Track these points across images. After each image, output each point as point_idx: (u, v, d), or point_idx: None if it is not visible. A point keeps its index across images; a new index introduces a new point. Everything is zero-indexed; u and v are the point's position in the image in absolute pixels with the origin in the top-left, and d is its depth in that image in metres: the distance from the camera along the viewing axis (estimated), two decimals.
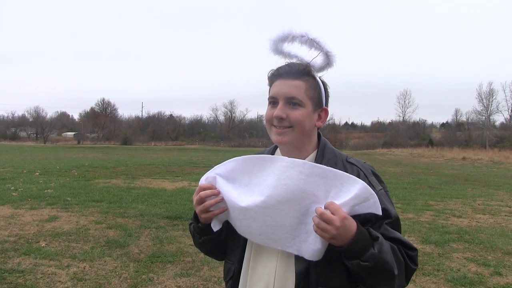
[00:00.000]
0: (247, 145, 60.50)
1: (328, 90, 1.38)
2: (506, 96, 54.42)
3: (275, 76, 1.32)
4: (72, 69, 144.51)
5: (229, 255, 1.42)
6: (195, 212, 1.36)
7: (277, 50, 1.34)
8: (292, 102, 1.28)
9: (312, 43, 1.31)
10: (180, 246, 5.40)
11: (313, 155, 1.36)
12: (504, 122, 58.56)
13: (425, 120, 78.07)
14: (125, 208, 7.80)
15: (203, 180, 1.32)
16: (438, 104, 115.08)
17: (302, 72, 1.29)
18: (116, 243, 5.43)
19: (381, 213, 1.16)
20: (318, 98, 1.32)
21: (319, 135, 1.41)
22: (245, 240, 1.34)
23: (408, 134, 64.04)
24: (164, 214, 7.31)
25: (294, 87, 1.28)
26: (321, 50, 1.31)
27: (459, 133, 61.39)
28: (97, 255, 4.91)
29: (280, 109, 1.28)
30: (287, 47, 1.33)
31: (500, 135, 52.56)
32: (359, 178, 1.26)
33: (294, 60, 1.35)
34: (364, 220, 1.19)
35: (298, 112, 1.28)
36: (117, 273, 4.40)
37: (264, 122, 1.37)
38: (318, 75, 1.36)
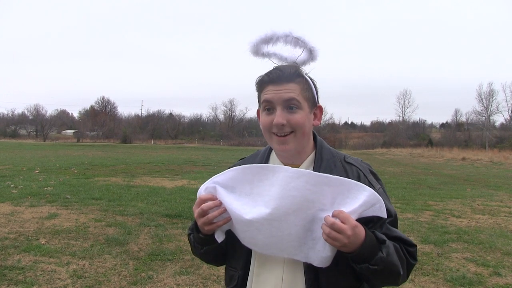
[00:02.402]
0: (247, 144, 60.48)
1: (317, 86, 1.35)
2: (506, 97, 54.70)
3: (266, 82, 1.27)
4: (72, 67, 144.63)
5: (231, 262, 1.38)
6: (195, 222, 1.31)
7: (258, 52, 1.32)
8: (290, 106, 1.25)
9: (297, 41, 1.29)
10: (180, 244, 5.41)
11: (311, 157, 1.34)
12: (504, 122, 58.71)
13: (425, 120, 78.39)
14: (124, 206, 7.81)
15: (202, 191, 1.27)
16: (438, 104, 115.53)
17: (294, 74, 1.27)
18: (116, 241, 5.43)
19: (386, 216, 1.18)
20: (313, 97, 1.31)
21: (314, 135, 1.38)
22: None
23: (408, 134, 64.13)
24: (164, 212, 7.31)
25: (290, 90, 1.25)
26: (305, 47, 1.30)
27: (458, 134, 61.41)
28: (97, 253, 4.92)
29: (280, 115, 1.24)
30: (269, 48, 1.31)
31: (500, 135, 52.60)
32: (359, 178, 1.27)
33: (275, 60, 1.32)
34: (366, 220, 1.19)
35: (298, 115, 1.25)
36: (117, 270, 4.41)
37: (261, 128, 1.32)
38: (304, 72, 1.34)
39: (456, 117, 71.53)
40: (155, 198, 8.87)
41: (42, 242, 5.25)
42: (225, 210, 1.23)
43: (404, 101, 68.53)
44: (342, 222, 1.10)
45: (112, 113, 79.14)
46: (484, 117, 55.35)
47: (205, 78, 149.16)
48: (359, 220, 1.16)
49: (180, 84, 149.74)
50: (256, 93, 1.33)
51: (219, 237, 1.28)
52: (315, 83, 1.35)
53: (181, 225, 6.52)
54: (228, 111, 79.86)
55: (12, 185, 10.06)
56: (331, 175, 1.17)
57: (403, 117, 69.27)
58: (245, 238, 1.24)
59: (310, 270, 1.21)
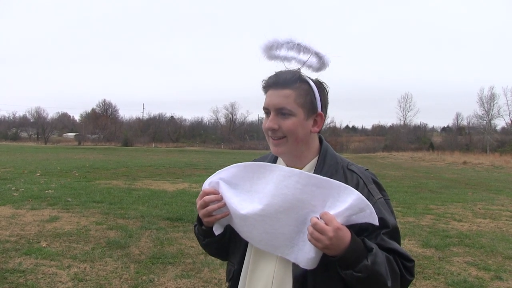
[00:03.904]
0: (248, 148, 60.55)
1: (327, 90, 1.35)
2: (507, 101, 54.21)
3: (266, 86, 1.32)
4: (73, 70, 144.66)
5: (231, 257, 1.44)
6: (199, 214, 1.38)
7: (271, 57, 1.34)
8: (282, 112, 1.28)
9: (299, 47, 1.31)
10: (181, 248, 5.41)
11: (314, 161, 1.35)
12: (505, 126, 58.39)
13: (426, 124, 78.09)
14: (125, 209, 7.81)
15: (207, 185, 1.34)
16: (439, 108, 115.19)
17: (290, 80, 1.28)
18: (117, 244, 5.43)
19: (377, 224, 1.16)
20: (311, 104, 1.30)
21: (321, 140, 1.39)
22: (246, 243, 1.35)
23: (409, 137, 63.99)
24: (165, 216, 7.32)
25: (283, 97, 1.27)
26: (310, 53, 1.32)
27: (460, 137, 61.31)
28: (98, 256, 4.92)
29: (271, 120, 1.29)
30: (281, 52, 1.33)
31: (501, 139, 52.50)
32: (358, 186, 1.27)
33: (292, 63, 1.34)
34: (360, 229, 1.19)
35: (289, 121, 1.27)
36: (118, 274, 4.41)
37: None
38: (314, 76, 1.35)
39: (457, 121, 71.43)
40: (156, 201, 8.88)
41: (43, 245, 5.26)
42: (224, 205, 1.29)
43: (405, 105, 68.32)
44: (325, 223, 1.11)
45: (113, 116, 79.13)
46: (485, 121, 55.29)
47: (206, 82, 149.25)
48: (353, 227, 1.16)
49: (181, 87, 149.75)
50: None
51: (217, 230, 1.35)
52: (326, 88, 1.36)
53: (182, 228, 6.52)
54: (229, 114, 79.88)
55: (13, 188, 10.08)
56: (321, 176, 1.19)
57: (404, 121, 69.05)
58: (243, 232, 1.31)
59: (299, 274, 1.23)
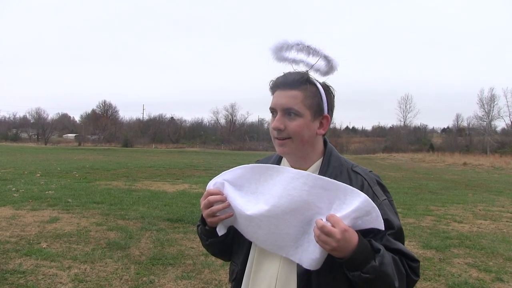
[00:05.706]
0: (248, 148, 60.57)
1: (333, 94, 1.37)
2: (507, 102, 54.44)
3: (274, 87, 1.33)
4: (74, 71, 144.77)
5: (234, 257, 1.45)
6: (202, 214, 1.38)
7: (280, 58, 1.35)
8: (289, 112, 1.29)
9: (309, 49, 1.32)
10: (181, 249, 5.41)
11: (318, 163, 1.36)
12: (505, 127, 58.58)
13: (426, 125, 78.18)
14: (126, 210, 7.81)
15: (211, 185, 1.34)
16: (439, 109, 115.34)
17: (299, 81, 1.29)
18: (117, 245, 5.43)
19: (383, 228, 1.17)
20: (318, 106, 1.31)
21: (325, 142, 1.40)
22: (249, 244, 1.36)
23: (409, 139, 64.05)
24: (165, 217, 7.31)
25: (290, 97, 1.28)
26: (319, 56, 1.32)
27: (460, 138, 61.40)
28: (98, 257, 4.92)
29: (278, 120, 1.30)
30: (290, 54, 1.34)
31: (501, 140, 52.61)
32: (363, 187, 1.28)
33: (300, 65, 1.35)
34: (366, 230, 1.19)
35: (296, 122, 1.28)
36: (118, 275, 4.41)
37: (266, 126, 1.39)
38: (322, 79, 1.36)
39: (457, 122, 71.57)
40: (156, 202, 8.87)
41: (43, 246, 5.26)
42: (228, 205, 1.29)
43: (406, 106, 68.43)
44: (332, 225, 1.11)
45: (113, 117, 79.15)
46: (485, 122, 55.40)
47: (207, 82, 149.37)
48: (359, 230, 1.16)
49: (181, 88, 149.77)
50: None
51: (220, 231, 1.35)
52: (332, 91, 1.37)
53: (182, 229, 6.52)
54: (230, 115, 79.84)
55: (14, 189, 10.07)
56: (328, 178, 1.19)
57: (404, 122, 69.13)
58: (248, 232, 1.31)
59: (303, 275, 1.24)
